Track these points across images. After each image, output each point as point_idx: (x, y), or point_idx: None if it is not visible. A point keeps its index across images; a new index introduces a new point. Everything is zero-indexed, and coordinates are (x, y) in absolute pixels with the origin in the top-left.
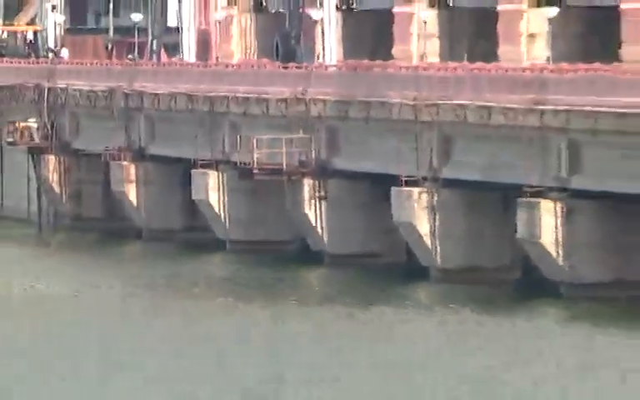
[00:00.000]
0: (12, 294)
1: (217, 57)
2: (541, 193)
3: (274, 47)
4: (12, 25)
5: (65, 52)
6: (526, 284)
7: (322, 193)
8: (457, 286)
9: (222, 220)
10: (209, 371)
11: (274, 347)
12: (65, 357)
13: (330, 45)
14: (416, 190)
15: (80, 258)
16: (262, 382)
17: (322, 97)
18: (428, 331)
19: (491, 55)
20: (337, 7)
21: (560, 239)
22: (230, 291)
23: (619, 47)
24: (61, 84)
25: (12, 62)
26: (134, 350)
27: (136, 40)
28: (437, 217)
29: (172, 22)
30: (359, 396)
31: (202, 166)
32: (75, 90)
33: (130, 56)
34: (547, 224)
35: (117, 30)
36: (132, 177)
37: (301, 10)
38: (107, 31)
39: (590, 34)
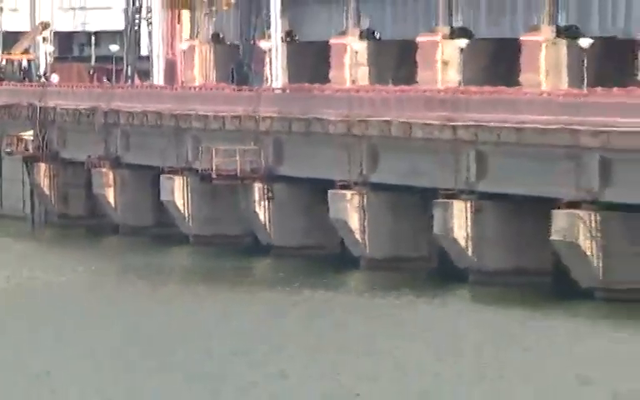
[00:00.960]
0: (5, 277)
1: (181, 82)
2: (453, 195)
3: (230, 73)
4: (10, 54)
5: (54, 77)
6: (441, 272)
7: (270, 195)
8: (383, 273)
9: (186, 218)
10: (164, 338)
11: (223, 322)
12: (41, 326)
13: (276, 71)
14: (349, 192)
15: (65, 249)
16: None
17: (269, 114)
18: (355, 310)
19: (411, 79)
20: (282, 39)
21: (469, 234)
22: (192, 276)
23: (519, 74)
24: (50, 104)
25: (9, 85)
26: (103, 319)
27: (113, 67)
28: (366, 215)
29: (143, 51)
30: (290, 359)
31: (169, 172)
32: (62, 109)
33: (107, 80)
34: (459, 221)
35: (97, 58)
36: (111, 181)
37: (252, 42)
38: (89, 59)
39: (495, 62)
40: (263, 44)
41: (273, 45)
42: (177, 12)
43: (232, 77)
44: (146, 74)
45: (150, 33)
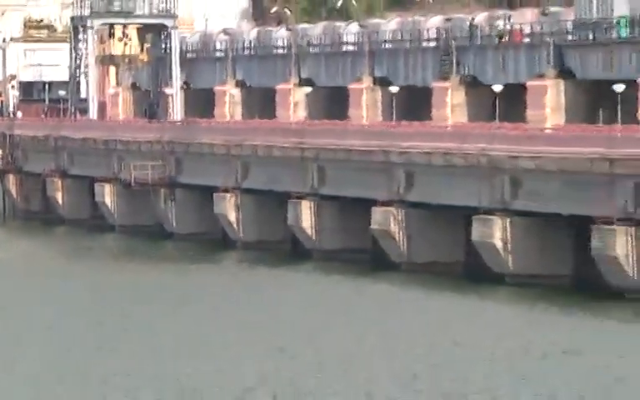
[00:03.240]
0: None
1: (109, 117)
2: (302, 197)
3: (144, 110)
4: None
5: (19, 114)
6: (293, 252)
7: (172, 197)
8: (253, 252)
9: (113, 213)
10: (83, 305)
11: (134, 286)
12: None
13: (176, 109)
14: (228, 195)
15: (26, 237)
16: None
17: (172, 139)
18: (228, 283)
19: (272, 115)
20: (180, 87)
21: (313, 224)
22: (114, 255)
23: (347, 111)
24: (17, 132)
25: None
26: (42, 280)
27: (62, 106)
28: (240, 210)
29: (83, 95)
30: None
31: (101, 180)
32: (25, 136)
33: (57, 116)
34: (306, 215)
35: (50, 100)
36: (59, 187)
37: (159, 89)
38: (44, 101)
39: (331, 103)
40: (167, 90)
41: (175, 91)
42: (106, 67)
43: (146, 113)
44: (84, 111)
45: (87, 82)
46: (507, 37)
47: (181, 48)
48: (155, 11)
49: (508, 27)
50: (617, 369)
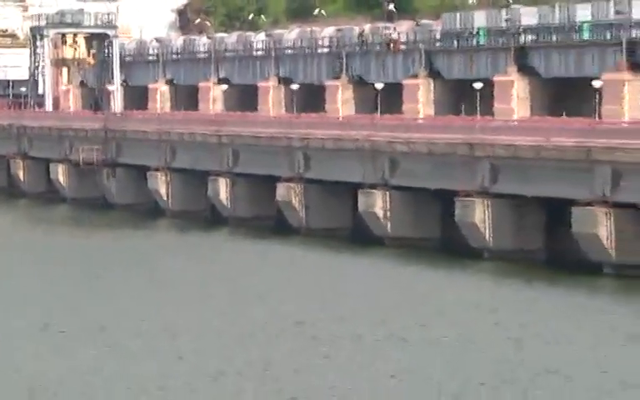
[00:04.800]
0: None
1: (62, 109)
2: (220, 174)
3: (90, 104)
4: None
5: None
6: (212, 219)
7: (113, 174)
8: (180, 220)
9: (65, 188)
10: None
11: (75, 247)
12: None
13: (117, 102)
14: (159, 173)
15: None
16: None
17: (113, 127)
18: (158, 244)
19: (196, 107)
20: (120, 84)
21: (228, 196)
22: (64, 221)
23: (257, 106)
24: None
25: None
26: (7, 247)
27: (23, 100)
28: (170, 185)
29: (40, 91)
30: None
31: (55, 161)
32: None
33: (19, 108)
34: (223, 190)
35: (13, 96)
36: (21, 166)
37: (103, 86)
38: (8, 96)
39: (244, 98)
40: (109, 87)
41: (115, 88)
42: (59, 69)
43: (92, 106)
44: (41, 105)
45: (44, 81)
46: (393, 45)
47: (120, 53)
48: (99, 22)
49: (395, 35)
50: (461, 316)
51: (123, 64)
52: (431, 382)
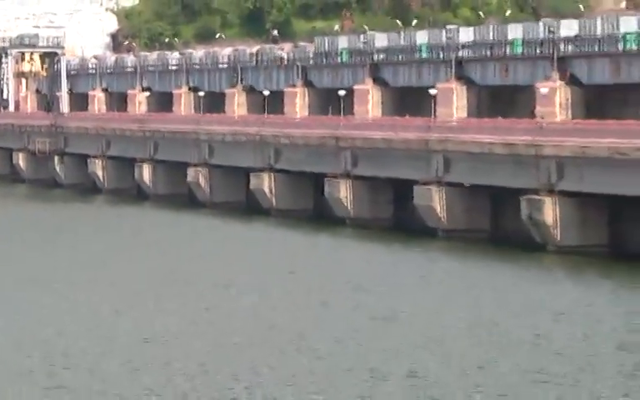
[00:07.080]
0: None
1: (22, 110)
2: (143, 161)
3: (44, 106)
4: None
5: None
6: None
7: (62, 161)
8: (113, 196)
9: (25, 171)
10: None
11: (40, 220)
12: None
13: (64, 106)
14: (97, 160)
15: None
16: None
17: (62, 124)
18: (95, 217)
19: (125, 110)
20: (67, 92)
21: (150, 179)
22: (22, 198)
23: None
24: None
25: None
26: None
27: None
28: (105, 169)
29: (5, 97)
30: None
31: (17, 150)
32: None
33: None
34: (145, 174)
35: None
36: None
37: (54, 93)
38: None
39: (163, 101)
40: (58, 94)
41: (63, 95)
42: (20, 79)
43: (45, 108)
44: (6, 107)
45: (8, 89)
46: (280, 62)
47: (67, 67)
48: (51, 44)
49: (281, 54)
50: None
51: (69, 76)
52: None
